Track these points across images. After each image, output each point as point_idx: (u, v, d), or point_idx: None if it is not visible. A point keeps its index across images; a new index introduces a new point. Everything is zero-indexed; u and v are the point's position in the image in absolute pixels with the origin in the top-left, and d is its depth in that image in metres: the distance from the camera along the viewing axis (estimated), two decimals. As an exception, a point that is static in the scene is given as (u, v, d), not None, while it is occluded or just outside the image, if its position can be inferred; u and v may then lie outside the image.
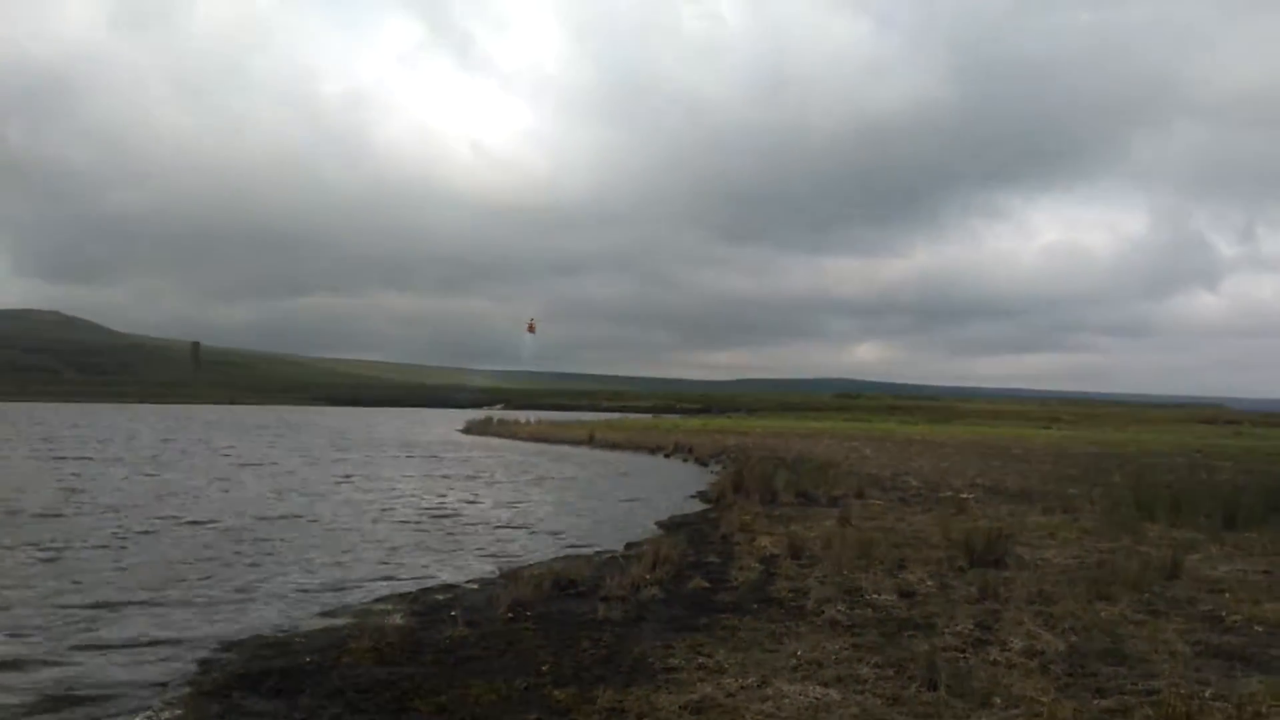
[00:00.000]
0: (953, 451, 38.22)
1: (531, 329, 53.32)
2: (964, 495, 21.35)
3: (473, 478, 30.14)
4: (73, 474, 27.13)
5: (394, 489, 25.76)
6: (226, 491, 23.65)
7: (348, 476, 29.12)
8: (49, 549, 14.18)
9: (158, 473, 28.93)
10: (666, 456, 43.22)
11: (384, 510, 20.50)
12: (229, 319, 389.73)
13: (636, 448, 48.56)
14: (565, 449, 49.66)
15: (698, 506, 21.76)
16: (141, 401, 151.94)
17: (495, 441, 57.21)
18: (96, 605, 10.59)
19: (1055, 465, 30.69)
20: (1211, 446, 42.70)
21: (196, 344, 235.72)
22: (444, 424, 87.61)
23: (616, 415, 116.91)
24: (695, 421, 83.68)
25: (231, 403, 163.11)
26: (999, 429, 72.50)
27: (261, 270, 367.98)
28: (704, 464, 37.85)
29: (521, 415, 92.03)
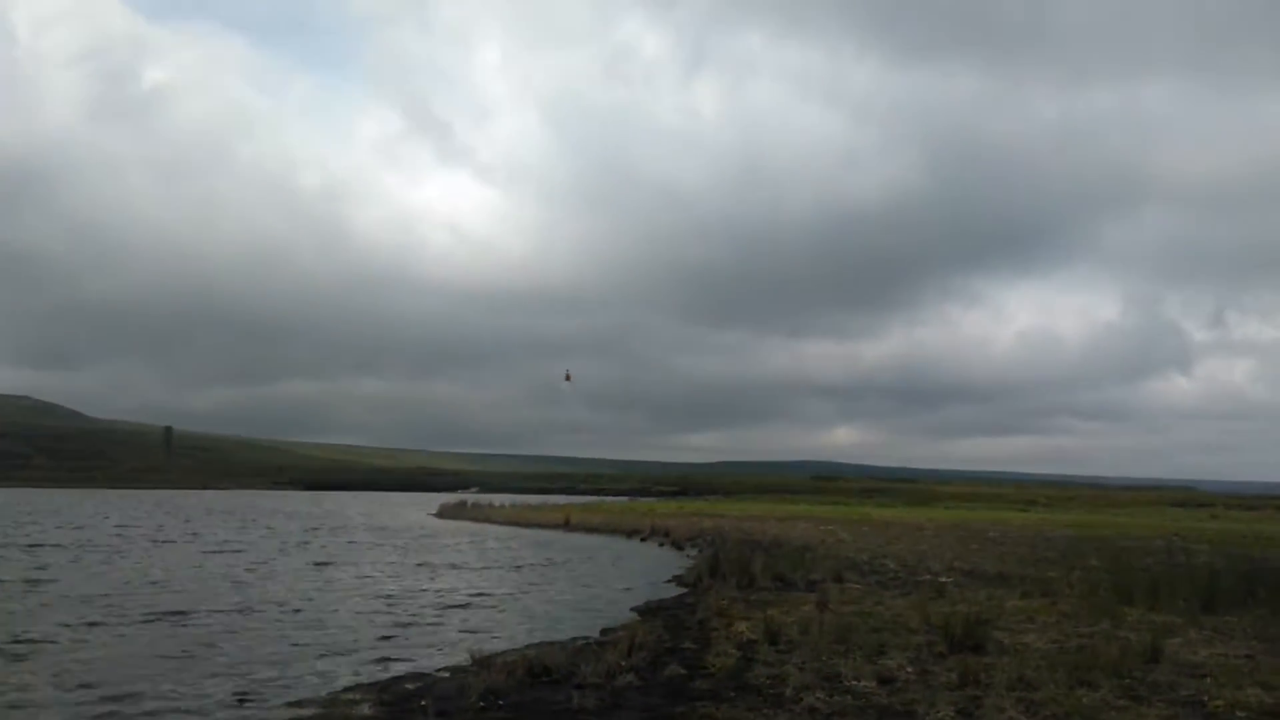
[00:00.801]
0: (931, 534, 38.06)
1: (568, 378, 53.90)
2: (942, 579, 21.20)
3: (445, 563, 29.64)
4: (37, 565, 26.39)
5: (364, 575, 25.28)
6: (194, 580, 23.12)
7: (317, 563, 28.56)
8: (4, 645, 13.76)
9: (123, 562, 28.28)
10: (643, 540, 42.77)
11: (355, 597, 20.09)
12: (202, 404, 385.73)
13: (613, 531, 48.04)
14: (541, 533, 49.05)
15: (674, 591, 21.46)
16: (113, 487, 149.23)
17: (469, 526, 56.45)
18: (55, 703, 10.24)
19: (1033, 548, 30.60)
20: (1188, 529, 42.77)
21: (169, 429, 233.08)
22: (417, 508, 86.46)
23: (593, 498, 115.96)
24: (672, 504, 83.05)
25: (203, 487, 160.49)
26: (976, 512, 72.39)
27: (235, 356, 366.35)
28: (680, 548, 37.47)
29: (496, 499, 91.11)
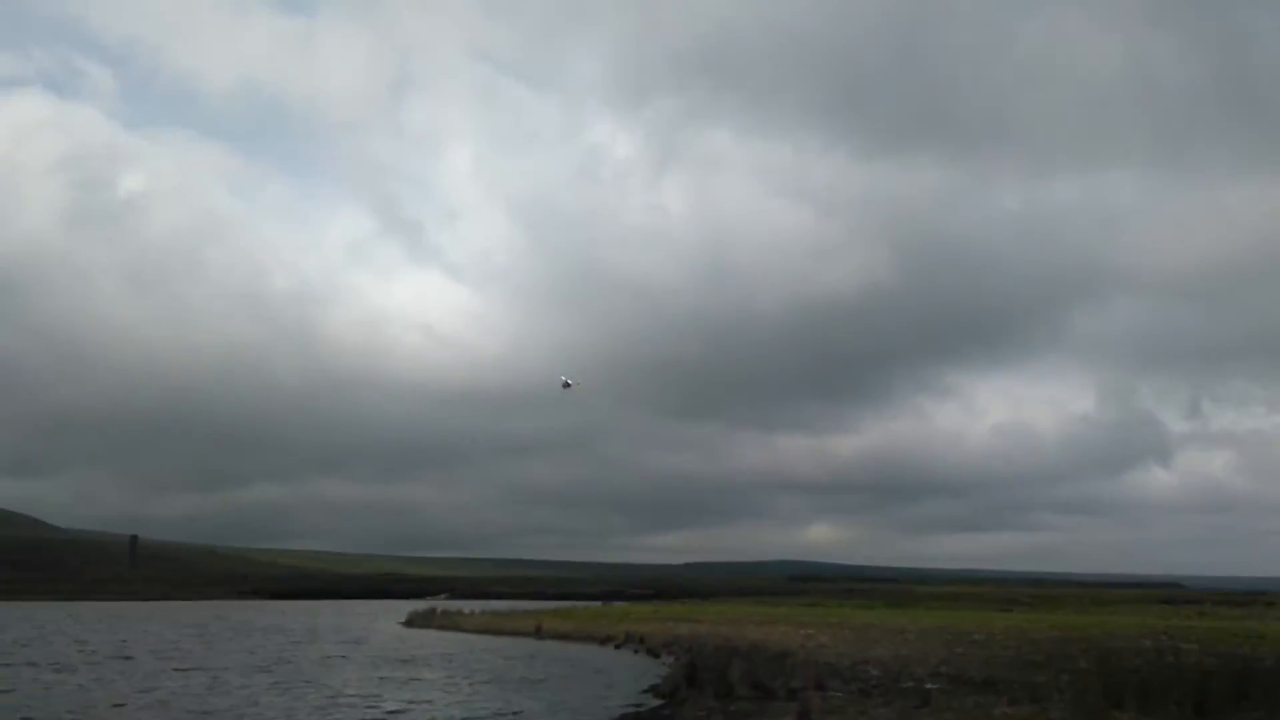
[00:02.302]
0: (913, 637, 37.14)
1: (568, 385, 52.26)
2: (927, 685, 20.43)
3: (414, 677, 28.43)
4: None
5: (329, 689, 24.21)
6: (151, 702, 21.95)
7: (280, 684, 27.13)
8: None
9: (74, 682, 26.88)
10: (617, 647, 41.55)
11: (325, 717, 19.05)
12: (169, 512, 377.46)
13: (586, 638, 46.70)
14: (512, 641, 47.59)
15: (650, 702, 20.59)
16: (76, 598, 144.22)
17: (439, 635, 54.75)
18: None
19: (1018, 651, 29.80)
20: (1176, 628, 41.97)
21: (134, 538, 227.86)
22: (386, 616, 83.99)
23: (565, 604, 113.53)
24: (646, 608, 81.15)
25: (166, 598, 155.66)
26: (958, 613, 71.24)
27: (203, 462, 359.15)
28: (656, 654, 36.31)
29: (466, 605, 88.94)
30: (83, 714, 18.85)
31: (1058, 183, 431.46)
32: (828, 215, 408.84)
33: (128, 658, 35.18)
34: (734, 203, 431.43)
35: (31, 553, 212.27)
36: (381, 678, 27.91)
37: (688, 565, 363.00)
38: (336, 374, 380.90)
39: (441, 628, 61.86)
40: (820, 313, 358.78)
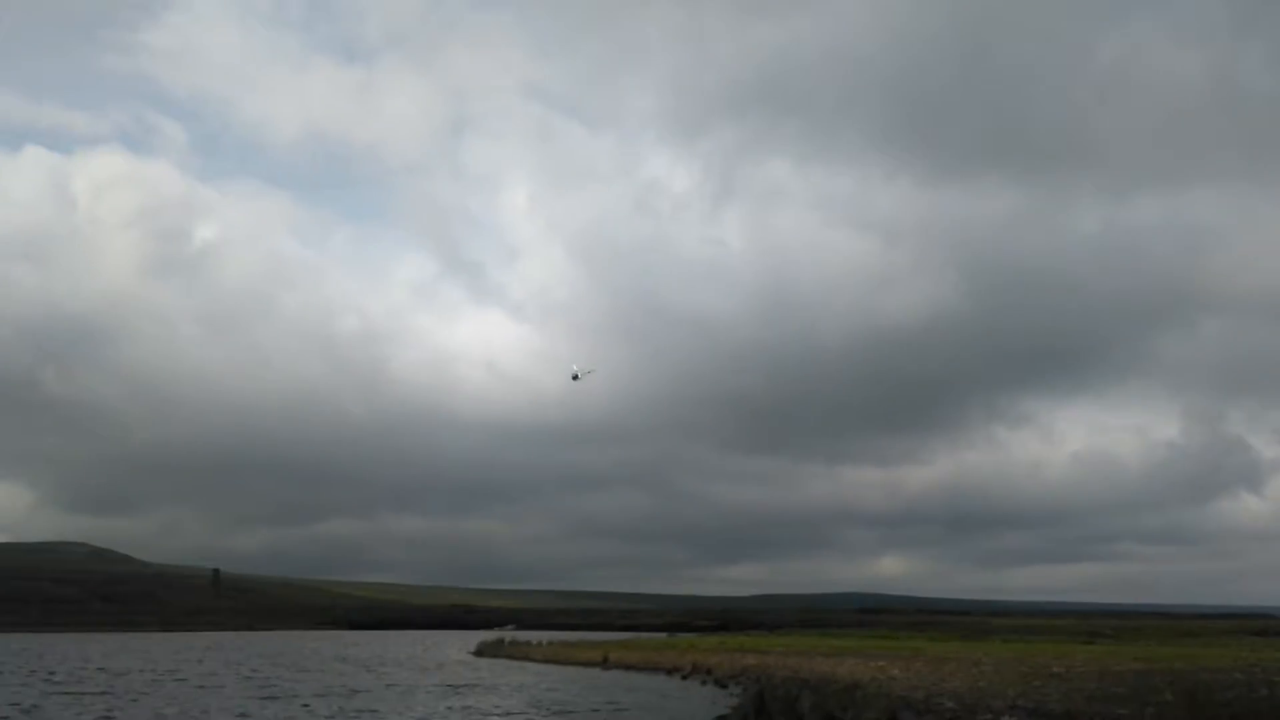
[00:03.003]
0: (990, 670, 36.04)
1: (576, 378, 52.43)
2: (1004, 718, 19.79)
3: (489, 706, 28.59)
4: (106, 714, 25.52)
5: (409, 717, 24.48)
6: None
7: (361, 710, 27.42)
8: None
9: (171, 710, 27.51)
10: (684, 678, 41.16)
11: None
12: (249, 546, 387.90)
13: (653, 668, 46.38)
14: (579, 671, 47.47)
15: (718, 734, 20.29)
16: (163, 630, 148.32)
17: (508, 665, 54.85)
18: None
19: (1100, 683, 28.72)
20: (1269, 660, 40.14)
21: (217, 571, 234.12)
22: (457, 646, 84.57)
23: (630, 635, 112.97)
24: (712, 640, 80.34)
25: (249, 628, 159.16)
26: (1036, 645, 69.06)
27: (280, 498, 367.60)
28: (723, 685, 35.89)
29: (534, 636, 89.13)
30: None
31: (1139, 202, 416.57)
32: (893, 243, 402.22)
33: (220, 686, 36.09)
34: (795, 233, 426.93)
35: (122, 586, 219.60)
36: (461, 706, 28.12)
37: (754, 597, 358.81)
38: (405, 411, 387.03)
39: (510, 657, 62.04)
40: (887, 342, 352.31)
